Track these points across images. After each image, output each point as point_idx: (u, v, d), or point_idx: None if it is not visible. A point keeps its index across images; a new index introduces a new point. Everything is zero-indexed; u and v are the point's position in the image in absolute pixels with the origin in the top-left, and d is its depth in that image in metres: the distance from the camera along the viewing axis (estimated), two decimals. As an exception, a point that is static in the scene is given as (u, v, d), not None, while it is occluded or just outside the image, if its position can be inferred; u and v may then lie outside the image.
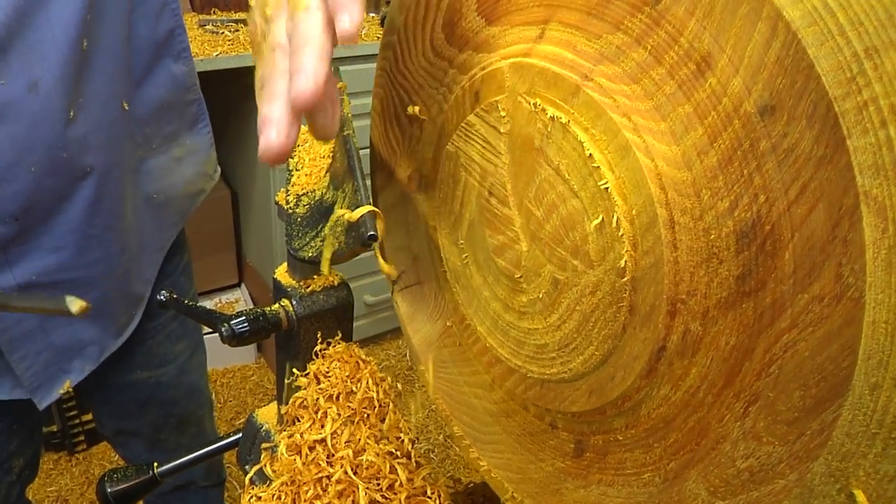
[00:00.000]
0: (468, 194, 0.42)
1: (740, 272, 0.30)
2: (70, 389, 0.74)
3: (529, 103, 0.36)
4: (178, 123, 0.77)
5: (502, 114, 0.38)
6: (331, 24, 0.34)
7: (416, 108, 0.45)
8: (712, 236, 0.31)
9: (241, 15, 1.88)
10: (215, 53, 1.53)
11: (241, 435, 0.58)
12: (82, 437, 1.70)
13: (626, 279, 0.34)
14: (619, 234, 0.33)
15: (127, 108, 0.65)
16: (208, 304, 2.01)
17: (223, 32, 1.69)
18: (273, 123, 0.36)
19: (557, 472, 0.41)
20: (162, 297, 0.45)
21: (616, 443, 0.37)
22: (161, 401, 0.91)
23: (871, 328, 0.26)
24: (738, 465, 0.32)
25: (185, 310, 0.46)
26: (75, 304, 0.47)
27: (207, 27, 1.73)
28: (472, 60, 0.41)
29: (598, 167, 0.34)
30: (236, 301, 2.10)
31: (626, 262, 0.33)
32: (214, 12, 1.89)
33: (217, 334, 0.46)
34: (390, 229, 0.51)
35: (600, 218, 0.34)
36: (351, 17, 0.34)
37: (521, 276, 0.39)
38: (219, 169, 0.87)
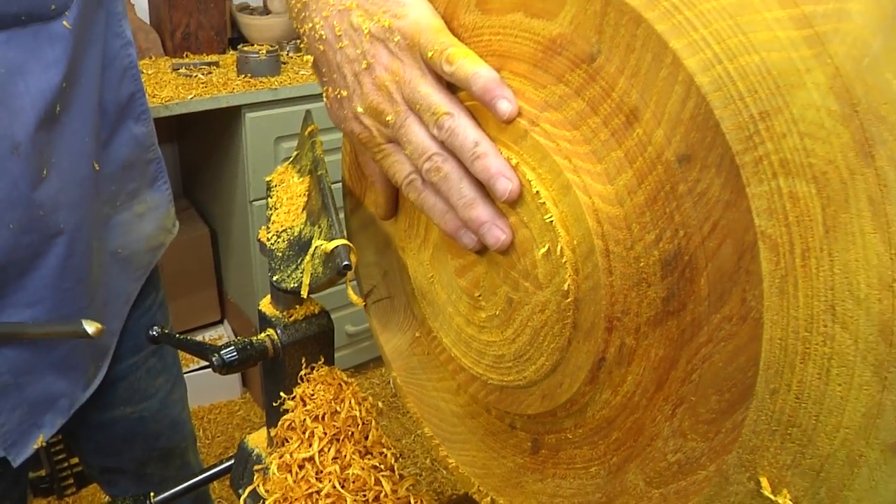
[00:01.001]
0: (432, 221, 0.46)
1: (665, 294, 0.35)
2: (43, 443, 0.74)
3: (485, 144, 0.41)
4: (139, 181, 0.79)
5: (461, 151, 0.43)
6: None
7: None
8: (641, 264, 0.36)
9: (213, 57, 1.89)
10: (189, 96, 1.56)
11: (233, 461, 0.62)
12: (71, 481, 1.69)
13: (569, 300, 0.38)
14: (563, 261, 0.38)
15: (98, 167, 0.68)
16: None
17: (196, 76, 1.71)
18: (490, 224, 0.41)
19: (517, 467, 0.46)
20: (154, 333, 0.48)
21: (567, 441, 0.42)
22: (145, 435, 0.93)
23: (768, 344, 0.32)
24: (669, 459, 0.37)
25: (176, 343, 0.50)
26: (91, 326, 0.51)
27: (181, 71, 1.75)
28: (433, 100, 0.46)
29: (544, 203, 0.38)
30: (220, 337, 2.12)
31: (569, 285, 0.38)
32: (187, 55, 1.91)
33: (203, 371, 0.50)
34: (362, 247, 0.55)
35: (547, 247, 0.39)
36: (509, 100, 0.39)
37: (480, 295, 0.44)
38: (177, 223, 0.90)
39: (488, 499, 0.48)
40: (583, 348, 0.39)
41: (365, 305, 0.56)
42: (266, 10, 2.07)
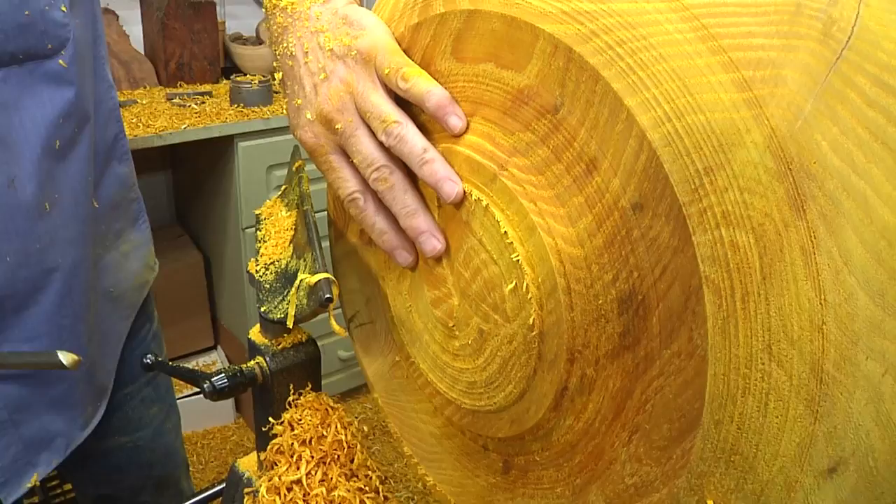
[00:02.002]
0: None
1: (622, 330, 0.38)
2: (37, 482, 0.73)
3: (458, 184, 0.44)
4: (123, 221, 0.81)
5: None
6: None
7: None
8: (600, 301, 0.38)
9: (207, 87, 1.91)
10: (183, 126, 1.59)
11: (224, 485, 0.63)
12: (64, 509, 1.69)
13: (534, 333, 0.41)
14: (529, 297, 0.41)
15: (97, 205, 0.70)
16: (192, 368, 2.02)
17: (190, 105, 1.73)
18: (429, 234, 0.45)
19: (490, 486, 0.49)
20: (148, 361, 0.51)
21: (535, 462, 0.45)
22: (139, 464, 0.94)
23: (713, 379, 0.34)
24: (626, 482, 0.40)
25: (169, 370, 0.52)
26: (67, 358, 0.52)
27: (175, 101, 1.77)
28: (411, 139, 0.48)
29: (512, 242, 0.41)
30: (213, 363, 2.12)
31: (534, 319, 0.41)
32: (181, 85, 1.93)
33: (197, 397, 0.51)
34: (346, 274, 0.58)
35: (514, 283, 0.41)
36: (459, 117, 0.43)
37: (453, 325, 0.47)
38: (157, 261, 0.92)
39: (463, 516, 0.51)
40: (547, 378, 0.41)
41: (348, 329, 0.59)
42: (259, 41, 2.10)
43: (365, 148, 0.45)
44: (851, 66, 0.31)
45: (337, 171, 0.48)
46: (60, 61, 0.61)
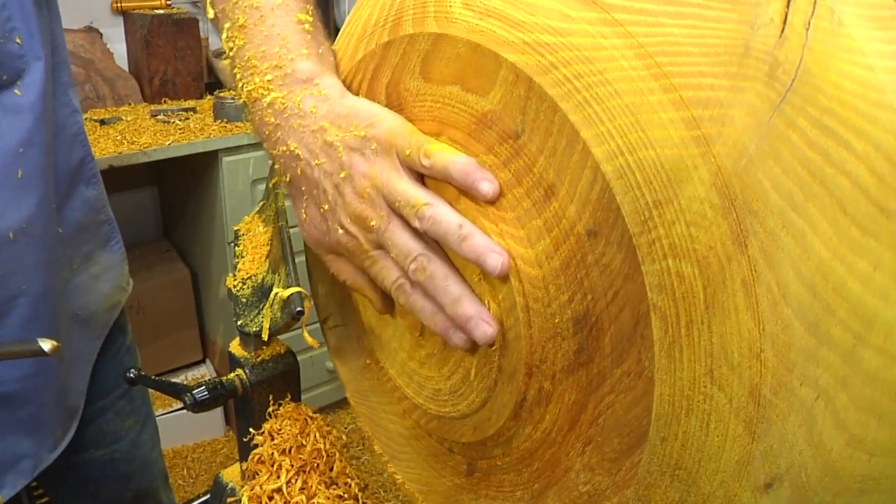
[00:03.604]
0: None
1: (577, 348, 0.39)
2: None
3: (424, 201, 0.44)
4: (93, 243, 0.81)
5: (404, 205, 0.46)
6: None
7: None
8: (557, 320, 0.40)
9: (191, 103, 1.90)
10: (168, 142, 1.59)
11: (209, 495, 0.64)
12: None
13: (495, 347, 0.42)
14: (490, 313, 0.42)
15: (61, 230, 0.69)
16: (175, 381, 2.00)
17: (174, 121, 1.73)
18: (477, 319, 0.41)
19: (455, 486, 0.50)
20: (131, 375, 0.51)
21: (496, 467, 0.46)
22: (116, 476, 0.93)
23: (659, 398, 0.36)
24: (581, 489, 0.41)
25: (151, 384, 0.52)
26: (48, 344, 0.52)
27: (159, 117, 1.77)
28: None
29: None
30: (202, 377, 2.10)
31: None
32: (165, 101, 1.93)
33: (186, 411, 0.52)
34: (320, 279, 0.58)
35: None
36: (490, 180, 0.40)
37: (420, 335, 0.48)
38: (131, 281, 0.91)
39: (429, 513, 0.52)
40: (507, 389, 0.43)
41: (322, 331, 0.60)
42: None
43: (399, 240, 0.43)
44: (794, 109, 0.32)
45: (378, 264, 0.46)
46: (16, 91, 0.61)
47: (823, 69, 0.33)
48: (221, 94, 1.78)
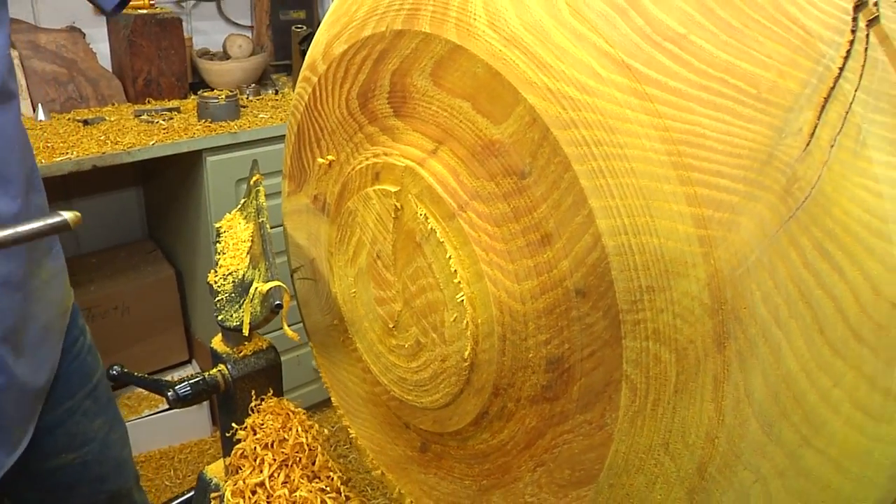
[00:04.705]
0: (360, 247, 0.49)
1: (545, 384, 0.41)
2: None
3: (417, 208, 0.44)
4: (40, 251, 0.77)
5: (396, 204, 0.45)
6: None
7: (329, 158, 0.50)
8: (531, 355, 0.41)
9: (175, 103, 1.86)
10: (151, 143, 1.55)
11: (193, 493, 0.65)
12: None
13: (467, 363, 0.44)
14: (467, 332, 0.43)
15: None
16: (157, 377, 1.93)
17: (158, 122, 1.69)
18: None
19: (407, 457, 0.54)
20: (114, 372, 0.50)
21: (449, 455, 0.50)
22: (90, 479, 0.92)
23: (614, 453, 0.38)
24: (527, 499, 0.45)
25: (134, 381, 0.52)
26: (69, 214, 0.48)
27: (143, 117, 1.72)
28: (377, 137, 0.47)
29: (459, 282, 0.42)
30: (189, 377, 2.01)
31: (468, 353, 0.43)
32: (149, 101, 1.86)
33: (172, 411, 0.52)
34: (296, 228, 0.57)
35: (455, 316, 0.43)
36: None
37: (393, 326, 0.49)
38: (72, 290, 0.87)
39: (379, 471, 0.56)
40: (472, 400, 0.45)
41: (291, 279, 0.60)
42: (226, 56, 2.01)
43: None
44: (800, 227, 0.33)
45: None
46: None
47: (837, 191, 0.33)
48: (205, 94, 1.74)
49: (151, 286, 1.94)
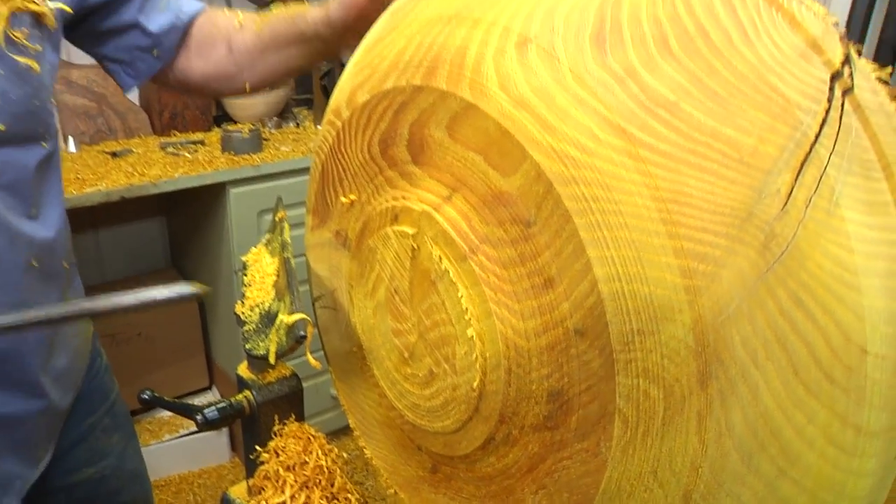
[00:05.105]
0: (379, 283, 0.53)
1: (547, 414, 0.45)
2: None
3: (432, 249, 0.48)
4: (72, 287, 0.83)
5: (413, 244, 0.49)
6: None
7: (351, 198, 0.55)
8: (534, 387, 0.45)
9: (199, 135, 1.92)
10: (176, 175, 1.62)
11: None
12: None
13: (476, 393, 0.48)
14: (476, 365, 0.47)
15: (35, 264, 0.72)
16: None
17: (183, 154, 1.76)
18: None
19: (418, 477, 0.57)
20: (145, 396, 0.55)
21: (458, 476, 0.53)
22: (107, 492, 0.96)
23: (608, 479, 0.42)
24: (527, 518, 0.49)
25: (164, 404, 0.56)
26: (196, 287, 0.51)
27: (168, 149, 1.78)
28: (397, 181, 0.51)
29: (469, 319, 0.46)
30: (216, 401, 2.06)
31: (477, 383, 0.47)
32: (174, 134, 1.93)
33: (193, 436, 0.55)
34: (318, 259, 0.62)
35: (466, 350, 0.47)
36: None
37: (408, 356, 0.53)
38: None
39: (392, 490, 0.60)
40: (479, 426, 0.49)
41: (313, 307, 0.64)
42: None
43: None
44: (777, 279, 0.36)
45: None
46: (43, 143, 0.70)
47: (811, 247, 0.37)
48: (229, 128, 1.81)
49: (173, 314, 1.99)
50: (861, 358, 0.37)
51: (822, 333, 0.37)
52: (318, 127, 2.00)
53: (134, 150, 1.79)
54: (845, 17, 1.30)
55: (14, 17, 0.65)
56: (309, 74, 2.10)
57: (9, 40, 0.64)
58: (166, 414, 1.98)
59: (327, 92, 2.04)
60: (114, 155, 1.74)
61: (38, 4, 0.67)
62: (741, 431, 0.38)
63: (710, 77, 0.38)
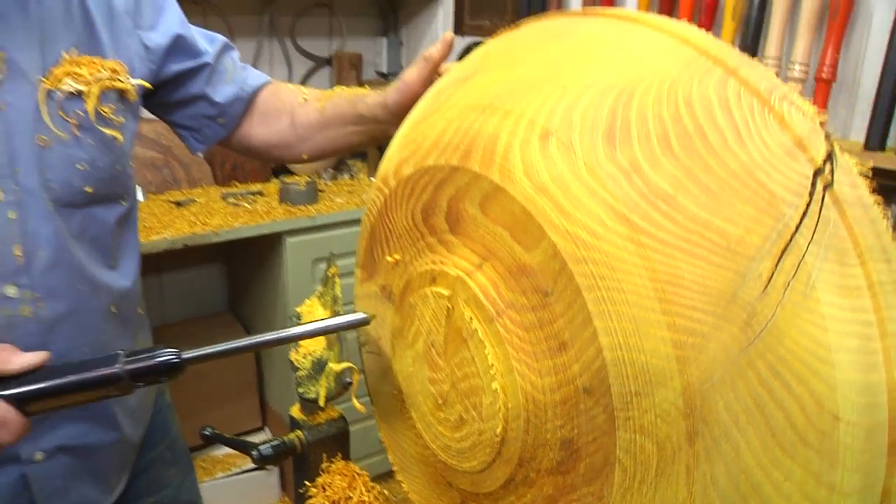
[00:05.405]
0: (418, 336, 0.61)
1: (559, 459, 0.51)
2: None
3: (465, 310, 0.55)
4: (143, 329, 0.95)
5: (448, 305, 0.57)
6: None
7: (396, 258, 0.63)
8: (548, 436, 0.51)
9: (258, 186, 2.04)
10: (236, 224, 1.73)
11: None
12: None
13: (499, 438, 0.54)
14: (499, 414, 0.53)
15: (114, 310, 0.81)
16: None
17: (242, 204, 1.88)
18: None
19: (448, 510, 0.64)
20: (206, 433, 0.63)
21: (482, 511, 0.60)
22: None
23: (611, 521, 0.48)
24: (542, 552, 0.54)
25: (224, 440, 0.64)
26: (365, 313, 0.60)
27: (229, 199, 1.90)
28: (436, 247, 0.59)
29: (494, 373, 0.53)
30: (270, 439, 2.15)
31: (500, 430, 0.54)
32: (234, 184, 2.05)
33: (244, 475, 0.63)
34: (365, 307, 0.70)
35: (490, 399, 0.54)
36: None
37: (442, 403, 0.60)
38: None
39: (425, 521, 0.66)
40: (502, 468, 0.55)
41: (360, 352, 0.72)
42: None
43: None
44: (757, 353, 0.42)
45: None
46: (122, 202, 0.82)
47: (788, 325, 0.42)
48: (287, 180, 1.90)
49: (231, 358, 2.08)
50: (833, 424, 0.42)
51: (798, 401, 0.42)
52: (372, 178, 2.09)
53: (197, 199, 1.90)
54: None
55: (103, 94, 0.75)
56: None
57: (98, 115, 0.74)
58: (220, 452, 2.07)
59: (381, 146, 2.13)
60: (178, 204, 1.84)
61: (122, 82, 0.77)
62: (724, 484, 0.43)
63: (705, 174, 0.45)
